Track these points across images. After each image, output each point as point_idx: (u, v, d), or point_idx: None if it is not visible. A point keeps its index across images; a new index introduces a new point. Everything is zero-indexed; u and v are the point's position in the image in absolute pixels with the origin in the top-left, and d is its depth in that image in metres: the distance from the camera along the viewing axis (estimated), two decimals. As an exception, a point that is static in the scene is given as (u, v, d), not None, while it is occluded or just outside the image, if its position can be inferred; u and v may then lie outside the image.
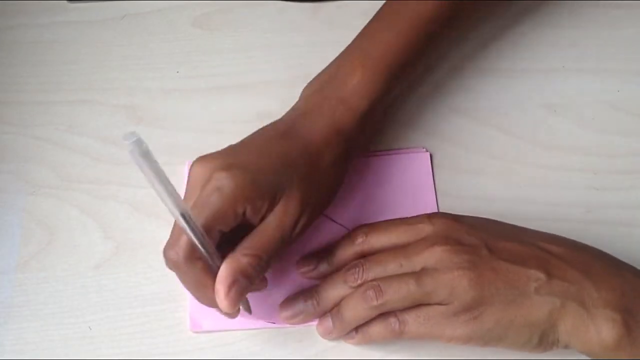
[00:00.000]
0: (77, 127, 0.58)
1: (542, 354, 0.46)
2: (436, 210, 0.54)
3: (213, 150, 0.56)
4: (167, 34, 0.62)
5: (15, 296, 0.51)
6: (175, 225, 0.46)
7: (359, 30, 0.55)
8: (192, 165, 0.47)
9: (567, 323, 0.44)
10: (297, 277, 0.51)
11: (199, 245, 0.43)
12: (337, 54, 0.54)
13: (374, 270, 0.47)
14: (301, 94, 0.54)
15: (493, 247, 0.46)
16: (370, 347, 0.50)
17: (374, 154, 0.56)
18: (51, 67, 0.60)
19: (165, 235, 0.53)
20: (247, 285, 0.45)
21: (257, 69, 0.61)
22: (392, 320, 0.46)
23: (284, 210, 0.46)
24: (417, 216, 0.49)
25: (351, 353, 0.50)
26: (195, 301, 0.50)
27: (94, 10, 0.63)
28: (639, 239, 0.54)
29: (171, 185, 0.39)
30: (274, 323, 0.50)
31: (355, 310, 0.47)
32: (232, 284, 0.44)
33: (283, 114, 0.53)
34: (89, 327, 0.50)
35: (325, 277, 0.50)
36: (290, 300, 0.50)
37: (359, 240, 0.50)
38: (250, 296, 0.50)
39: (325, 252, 0.51)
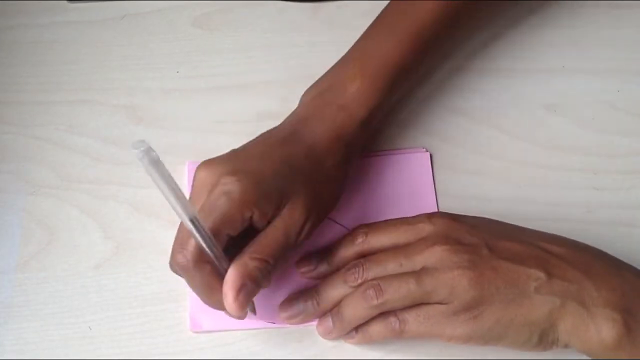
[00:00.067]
0: (77, 127, 0.58)
1: (542, 353, 0.46)
2: (436, 210, 0.54)
3: (213, 150, 0.56)
4: (167, 34, 0.62)
5: (15, 296, 0.51)
6: (181, 229, 0.46)
7: (359, 30, 0.55)
8: (197, 169, 0.47)
9: (567, 322, 0.44)
10: (297, 277, 0.51)
11: (207, 250, 0.44)
12: (337, 54, 0.55)
13: (374, 270, 0.47)
14: (301, 100, 0.54)
15: (493, 247, 0.46)
16: (370, 347, 0.50)
17: (374, 154, 0.57)
18: (51, 67, 0.60)
19: (165, 235, 0.53)
20: (254, 289, 0.45)
21: (257, 69, 0.61)
22: (392, 319, 0.46)
23: (290, 215, 0.46)
24: (417, 216, 0.49)
25: (351, 353, 0.50)
26: (195, 301, 0.50)
27: (94, 10, 0.63)
28: (639, 239, 0.54)
29: (180, 190, 0.39)
30: (274, 323, 0.50)
31: (356, 309, 0.47)
32: (241, 287, 0.44)
33: (283, 114, 0.53)
34: (89, 327, 0.50)
35: (325, 277, 0.50)
36: (290, 300, 0.50)
37: (359, 240, 0.50)
38: (251, 296, 0.50)
39: (325, 252, 0.51)
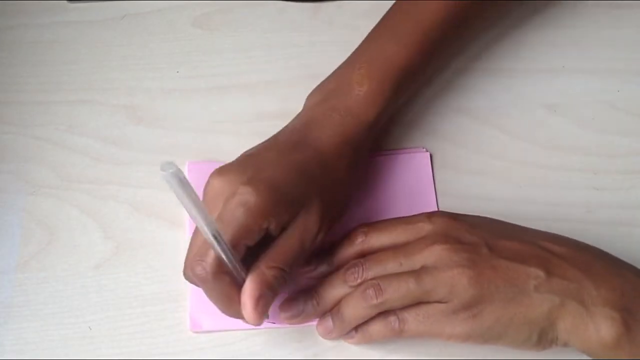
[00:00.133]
0: (77, 127, 0.58)
1: (542, 353, 0.46)
2: (436, 210, 0.54)
3: (213, 150, 0.57)
4: (167, 34, 0.62)
5: (15, 296, 0.51)
6: (196, 241, 0.46)
7: (359, 30, 0.55)
8: (211, 178, 0.47)
9: (567, 321, 0.44)
10: (297, 277, 0.51)
11: (227, 261, 0.44)
12: (337, 54, 0.55)
13: (374, 270, 0.47)
14: (305, 103, 0.54)
15: (493, 246, 0.46)
16: (370, 347, 0.50)
17: (374, 154, 0.56)
18: (51, 67, 0.60)
19: (165, 235, 0.53)
20: (272, 297, 0.45)
21: (257, 69, 0.61)
22: (392, 318, 0.46)
23: (304, 223, 0.46)
24: (417, 215, 0.49)
25: (351, 353, 0.50)
26: (195, 301, 0.50)
27: (94, 10, 0.63)
28: (639, 239, 0.54)
29: (203, 206, 0.39)
30: (274, 323, 0.50)
31: (355, 309, 0.47)
32: (259, 297, 0.44)
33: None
34: (89, 327, 0.50)
35: (325, 277, 0.50)
36: (290, 301, 0.50)
37: (359, 239, 0.50)
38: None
39: (325, 252, 0.51)
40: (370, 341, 0.48)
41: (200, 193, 0.46)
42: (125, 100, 0.59)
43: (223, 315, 0.46)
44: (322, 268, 0.51)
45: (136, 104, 0.59)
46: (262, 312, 0.45)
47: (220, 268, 0.44)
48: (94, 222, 0.54)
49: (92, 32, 0.62)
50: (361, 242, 0.50)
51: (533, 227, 0.49)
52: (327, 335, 0.49)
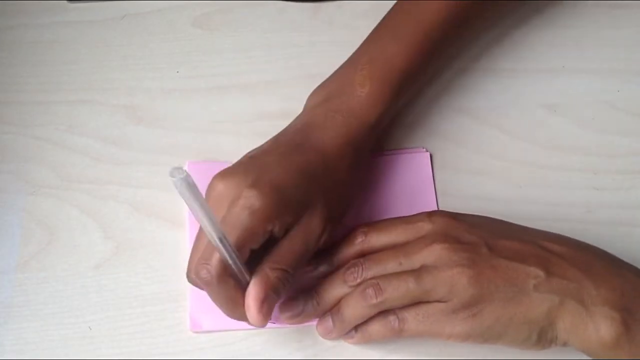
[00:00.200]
0: (77, 127, 0.58)
1: (541, 352, 0.46)
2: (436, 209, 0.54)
3: (213, 150, 0.57)
4: (167, 34, 0.62)
5: (15, 296, 0.51)
6: (200, 244, 0.46)
7: (359, 30, 0.55)
8: (214, 181, 0.47)
9: (566, 321, 0.44)
10: (297, 277, 0.51)
11: (233, 265, 0.44)
12: (337, 54, 0.55)
13: (374, 269, 0.47)
14: (306, 104, 0.54)
15: (493, 245, 0.46)
16: (370, 347, 0.50)
17: (374, 154, 0.56)
18: (51, 67, 0.60)
19: (165, 235, 0.53)
20: (276, 299, 0.46)
21: (257, 69, 0.61)
22: (392, 318, 0.46)
23: (308, 225, 0.46)
24: (417, 214, 0.49)
25: (351, 353, 0.50)
26: (195, 301, 0.50)
27: (94, 10, 0.63)
28: (639, 239, 0.54)
29: (210, 210, 0.39)
30: (274, 323, 0.50)
31: (355, 308, 0.47)
32: (264, 299, 0.44)
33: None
34: (89, 327, 0.50)
35: (325, 277, 0.50)
36: (290, 301, 0.50)
37: (359, 239, 0.50)
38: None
39: (325, 252, 0.51)
40: (370, 341, 0.48)
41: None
42: (125, 100, 0.59)
43: (223, 315, 0.46)
44: (322, 268, 0.51)
45: (136, 104, 0.59)
46: (266, 314, 0.45)
47: (225, 271, 0.44)
48: (94, 222, 0.54)
49: (92, 32, 0.62)
50: (361, 242, 0.50)
51: (533, 227, 0.49)
52: (327, 335, 0.49)
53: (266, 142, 0.51)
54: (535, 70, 0.61)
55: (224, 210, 0.45)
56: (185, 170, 0.35)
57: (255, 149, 0.50)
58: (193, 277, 0.45)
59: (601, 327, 0.43)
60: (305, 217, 0.46)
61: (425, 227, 0.48)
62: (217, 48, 0.62)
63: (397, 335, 0.47)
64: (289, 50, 0.62)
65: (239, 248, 0.44)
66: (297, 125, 0.51)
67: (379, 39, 0.54)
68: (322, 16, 0.63)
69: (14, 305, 0.51)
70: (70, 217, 0.54)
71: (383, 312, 0.47)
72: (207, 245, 0.44)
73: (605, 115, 0.59)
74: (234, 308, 0.46)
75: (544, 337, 0.45)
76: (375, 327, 0.47)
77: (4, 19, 0.62)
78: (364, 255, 0.49)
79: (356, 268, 0.48)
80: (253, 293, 0.44)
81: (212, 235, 0.41)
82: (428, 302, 0.46)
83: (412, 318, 0.46)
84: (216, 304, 0.46)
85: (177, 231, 0.53)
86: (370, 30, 0.55)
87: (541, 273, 0.44)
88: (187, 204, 0.38)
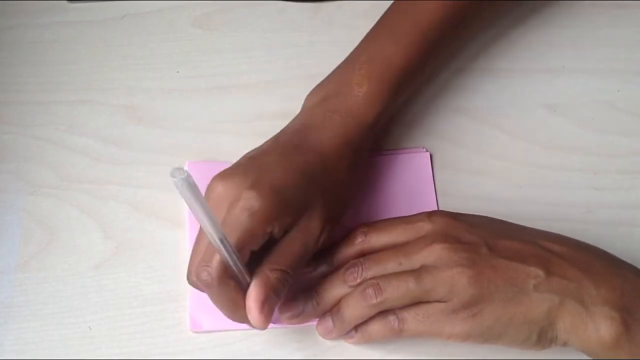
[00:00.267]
0: (77, 127, 0.58)
1: (541, 352, 0.46)
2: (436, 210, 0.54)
3: (213, 151, 0.57)
4: (167, 34, 0.62)
5: (15, 296, 0.51)
6: (200, 246, 0.46)
7: (359, 30, 0.55)
8: (213, 182, 0.47)
9: (566, 321, 0.44)
10: (297, 278, 0.51)
11: (233, 266, 0.44)
12: (337, 54, 0.55)
13: (373, 269, 0.47)
14: (304, 103, 0.54)
15: (493, 245, 0.46)
16: (370, 347, 0.50)
17: (374, 154, 0.56)
18: (51, 67, 0.60)
19: (165, 235, 0.53)
20: (277, 300, 0.45)
21: (257, 69, 0.61)
22: (392, 318, 0.46)
23: (307, 226, 0.46)
24: (417, 214, 0.49)
25: (351, 353, 0.50)
26: (195, 301, 0.50)
27: (94, 10, 0.63)
28: (639, 239, 0.54)
29: (211, 211, 0.39)
30: (274, 323, 0.50)
31: (355, 308, 0.47)
32: (265, 300, 0.44)
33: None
34: (89, 327, 0.50)
35: (325, 277, 0.50)
36: (290, 301, 0.50)
37: (359, 239, 0.50)
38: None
39: (325, 252, 0.51)
40: (370, 341, 0.48)
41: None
42: (125, 100, 0.59)
43: (223, 315, 0.46)
44: (322, 268, 0.51)
45: (136, 104, 0.59)
46: (268, 316, 0.45)
47: (225, 273, 0.44)
48: (94, 222, 0.54)
49: (92, 32, 0.62)
50: (361, 242, 0.50)
51: (533, 227, 0.49)
52: (327, 335, 0.49)
53: (265, 143, 0.51)
54: (535, 70, 0.61)
55: (224, 211, 0.45)
56: (186, 171, 0.35)
57: (254, 149, 0.50)
58: (194, 279, 0.45)
59: (601, 327, 0.43)
60: (304, 217, 0.46)
61: (425, 227, 0.48)
62: (217, 48, 0.62)
63: (397, 335, 0.47)
64: (289, 50, 0.62)
65: (239, 249, 0.44)
66: (296, 125, 0.51)
67: (376, 38, 0.54)
68: (322, 16, 0.63)
69: (14, 305, 0.51)
70: (70, 217, 0.54)
71: (383, 312, 0.47)
72: (208, 248, 0.44)
73: (605, 115, 0.59)
74: (235, 310, 0.46)
75: (544, 337, 0.45)
76: (375, 327, 0.47)
77: (4, 19, 0.62)
78: (364, 255, 0.49)
79: (356, 268, 0.48)
80: (254, 294, 0.44)
81: (213, 237, 0.41)
82: (428, 302, 0.46)
83: (412, 318, 0.46)
84: (217, 306, 0.46)
85: (177, 231, 0.53)
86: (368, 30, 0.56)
87: (541, 273, 0.44)
88: (188, 204, 0.38)
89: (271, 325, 0.50)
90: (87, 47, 0.61)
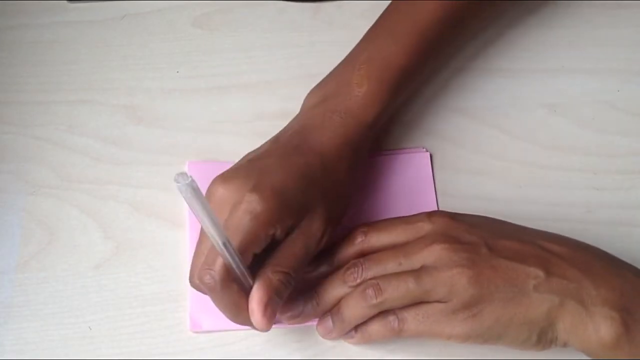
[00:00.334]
0: (77, 127, 0.58)
1: (541, 352, 0.46)
2: (436, 210, 0.54)
3: (213, 151, 0.57)
4: (167, 34, 0.62)
5: (15, 296, 0.51)
6: (202, 249, 0.46)
7: (359, 30, 0.55)
8: (214, 185, 0.47)
9: (566, 321, 0.44)
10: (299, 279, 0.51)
11: (236, 269, 0.44)
12: (337, 54, 0.55)
13: (373, 270, 0.47)
14: (304, 103, 0.54)
15: (492, 245, 0.46)
16: (370, 347, 0.50)
17: (374, 154, 0.56)
18: (51, 67, 0.60)
19: (165, 235, 0.53)
20: (279, 302, 0.45)
21: (257, 69, 0.61)
22: (391, 318, 0.46)
23: (308, 227, 0.46)
24: (417, 215, 0.49)
25: (351, 353, 0.50)
26: (195, 301, 0.50)
27: (94, 10, 0.63)
28: (639, 239, 0.54)
29: (214, 215, 0.39)
30: (274, 323, 0.50)
31: (355, 309, 0.47)
32: (267, 303, 0.44)
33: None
34: (89, 327, 0.50)
35: (325, 277, 0.50)
36: (290, 301, 0.50)
37: (359, 239, 0.50)
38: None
39: (325, 252, 0.51)
40: (369, 341, 0.48)
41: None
42: (125, 100, 0.59)
43: (223, 315, 0.46)
44: (322, 268, 0.51)
45: (136, 104, 0.59)
46: (270, 318, 0.45)
47: (228, 276, 0.44)
48: (94, 222, 0.54)
49: (92, 32, 0.62)
50: (361, 242, 0.50)
51: (533, 227, 0.49)
52: (327, 335, 0.49)
53: (264, 144, 0.51)
54: (535, 70, 0.61)
55: (225, 214, 0.45)
56: (190, 176, 0.35)
57: (254, 151, 0.50)
58: (197, 282, 0.45)
59: (601, 327, 0.43)
60: (305, 219, 0.46)
61: (425, 227, 0.48)
62: (217, 48, 0.62)
63: (397, 336, 0.47)
64: (289, 50, 0.62)
65: (241, 252, 0.43)
66: (295, 126, 0.51)
67: (375, 38, 0.54)
68: (322, 16, 0.63)
69: (14, 305, 0.51)
70: (70, 217, 0.54)
71: (383, 312, 0.47)
72: (210, 251, 0.44)
73: (605, 115, 0.59)
74: (238, 313, 0.46)
75: (544, 337, 0.45)
76: (375, 327, 0.47)
77: (4, 19, 0.62)
78: (364, 255, 0.49)
79: (356, 268, 0.48)
80: (256, 297, 0.44)
81: (216, 240, 0.41)
82: (428, 302, 0.46)
83: (412, 318, 0.46)
84: (219, 309, 0.46)
85: (177, 231, 0.53)
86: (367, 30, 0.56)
87: (541, 273, 0.44)
88: (191, 209, 0.38)
89: (271, 325, 0.50)
90: (87, 47, 0.61)
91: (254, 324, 0.45)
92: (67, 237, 0.53)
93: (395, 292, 0.45)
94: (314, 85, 0.54)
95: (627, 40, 0.63)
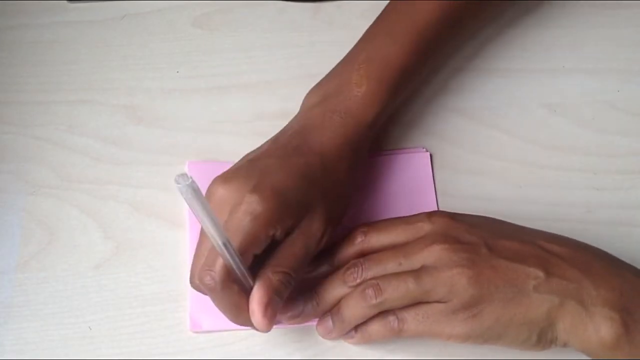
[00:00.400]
0: (77, 127, 0.58)
1: (541, 353, 0.46)
2: (436, 210, 0.54)
3: (213, 151, 0.57)
4: (167, 34, 0.62)
5: (15, 296, 0.51)
6: (203, 250, 0.46)
7: (359, 30, 0.55)
8: (214, 185, 0.47)
9: (566, 321, 0.44)
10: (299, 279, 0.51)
11: (237, 270, 0.44)
12: (337, 54, 0.55)
13: (373, 270, 0.47)
14: (303, 103, 0.54)
15: (492, 246, 0.46)
16: (370, 347, 0.50)
17: (374, 154, 0.56)
18: (51, 67, 0.60)
19: (165, 235, 0.53)
20: (280, 303, 0.45)
21: (257, 69, 0.61)
22: (391, 318, 0.46)
23: (308, 227, 0.46)
24: (417, 215, 0.49)
25: (351, 353, 0.50)
26: (195, 301, 0.50)
27: (94, 10, 0.63)
28: (639, 239, 0.54)
29: (215, 215, 0.39)
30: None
31: (355, 309, 0.47)
32: (268, 303, 0.44)
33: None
34: (89, 327, 0.50)
35: (325, 277, 0.50)
36: (290, 301, 0.50)
37: (359, 239, 0.50)
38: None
39: (325, 252, 0.51)
40: (369, 341, 0.48)
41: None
42: (125, 100, 0.59)
43: (223, 315, 0.46)
44: (322, 268, 0.51)
45: (136, 104, 0.59)
46: (271, 318, 0.45)
47: (228, 277, 0.44)
48: (94, 222, 0.54)
49: (92, 32, 0.62)
50: (361, 242, 0.50)
51: (533, 227, 0.49)
52: (327, 335, 0.49)
53: (264, 144, 0.51)
54: (535, 70, 0.61)
55: (225, 215, 0.45)
56: (191, 177, 0.35)
57: (253, 151, 0.50)
58: (197, 283, 0.45)
59: (601, 327, 0.43)
60: (305, 219, 0.46)
61: (425, 227, 0.48)
62: (217, 48, 0.62)
63: (397, 336, 0.47)
64: (289, 50, 0.62)
65: (242, 253, 0.43)
66: (295, 126, 0.51)
67: (374, 38, 0.54)
68: (322, 16, 0.63)
69: (14, 305, 0.51)
70: (70, 217, 0.54)
71: (383, 313, 0.47)
72: (211, 251, 0.44)
73: (605, 115, 0.59)
74: (238, 313, 0.46)
75: (543, 337, 0.45)
76: (375, 327, 0.47)
77: (4, 19, 0.62)
78: (364, 255, 0.49)
79: (356, 268, 0.48)
80: (257, 297, 0.44)
81: (217, 241, 0.41)
82: (428, 302, 0.46)
83: (412, 318, 0.46)
84: (220, 309, 0.46)
85: (177, 231, 0.53)
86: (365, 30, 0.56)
87: (541, 274, 0.44)
88: (192, 210, 0.38)
89: (271, 325, 0.50)
90: (87, 47, 0.61)
91: (255, 324, 0.45)
92: (67, 237, 0.53)
93: (395, 292, 0.45)
94: (314, 85, 0.54)
95: (627, 40, 0.63)
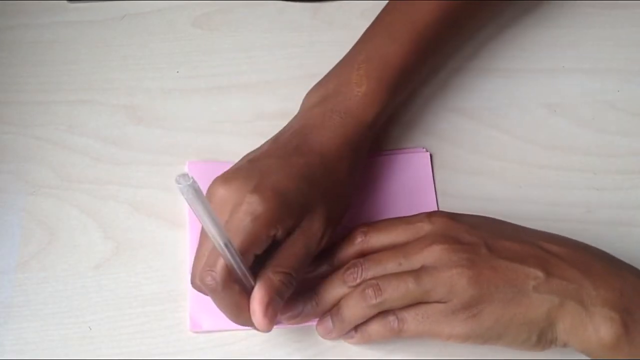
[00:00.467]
0: (77, 127, 0.58)
1: (541, 353, 0.46)
2: (436, 210, 0.54)
3: (213, 151, 0.57)
4: (167, 34, 0.62)
5: (15, 296, 0.51)
6: (204, 250, 0.46)
7: (359, 30, 0.55)
8: (214, 186, 0.47)
9: (566, 321, 0.44)
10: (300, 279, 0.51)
11: (238, 270, 0.44)
12: (337, 54, 0.55)
13: (373, 270, 0.47)
14: (303, 103, 0.54)
15: (492, 246, 0.46)
16: (370, 347, 0.50)
17: (374, 154, 0.56)
18: (51, 67, 0.60)
19: (165, 235, 0.53)
20: (281, 303, 0.46)
21: (257, 69, 0.61)
22: (391, 318, 0.46)
23: (309, 227, 0.46)
24: (417, 215, 0.49)
25: (351, 353, 0.50)
26: (195, 301, 0.50)
27: (94, 10, 0.63)
28: (639, 239, 0.54)
29: (216, 215, 0.40)
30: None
31: (355, 309, 0.47)
32: (269, 303, 0.44)
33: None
34: (89, 327, 0.50)
35: (324, 277, 0.50)
36: (290, 301, 0.49)
37: (359, 239, 0.50)
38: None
39: (325, 252, 0.51)
40: (369, 341, 0.48)
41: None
42: (125, 100, 0.59)
43: (223, 315, 0.46)
44: (322, 268, 0.51)
45: (136, 104, 0.59)
46: (272, 318, 0.45)
47: (229, 277, 0.44)
48: (94, 222, 0.54)
49: (92, 32, 0.62)
50: (361, 242, 0.50)
51: (533, 227, 0.49)
52: (327, 335, 0.49)
53: (264, 144, 0.51)
54: (535, 70, 0.61)
55: (226, 215, 0.45)
56: (192, 177, 0.35)
57: (253, 151, 0.50)
58: (198, 283, 0.45)
59: (601, 328, 0.43)
60: (306, 219, 0.46)
61: (425, 227, 0.48)
62: (217, 48, 0.62)
63: (397, 336, 0.46)
64: (289, 50, 0.62)
65: (243, 253, 0.44)
66: (295, 126, 0.51)
67: (373, 37, 0.54)
68: (322, 16, 0.64)
69: (14, 305, 0.51)
70: (70, 217, 0.54)
71: (383, 313, 0.47)
72: (212, 252, 0.44)
73: (605, 115, 0.59)
74: (239, 313, 0.46)
75: (543, 338, 0.45)
76: (375, 327, 0.47)
77: (4, 19, 0.62)
78: (364, 255, 0.49)
79: (356, 268, 0.48)
80: (258, 297, 0.44)
81: (218, 241, 0.41)
82: (428, 302, 0.46)
83: (412, 318, 0.46)
84: (221, 310, 0.46)
85: (177, 231, 0.54)
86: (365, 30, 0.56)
87: (541, 274, 0.44)
88: (193, 210, 0.38)
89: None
90: (87, 47, 0.61)
91: (255, 324, 0.45)
92: (67, 237, 0.53)
93: (395, 292, 0.45)
94: (313, 85, 0.54)
95: (626, 40, 0.63)
